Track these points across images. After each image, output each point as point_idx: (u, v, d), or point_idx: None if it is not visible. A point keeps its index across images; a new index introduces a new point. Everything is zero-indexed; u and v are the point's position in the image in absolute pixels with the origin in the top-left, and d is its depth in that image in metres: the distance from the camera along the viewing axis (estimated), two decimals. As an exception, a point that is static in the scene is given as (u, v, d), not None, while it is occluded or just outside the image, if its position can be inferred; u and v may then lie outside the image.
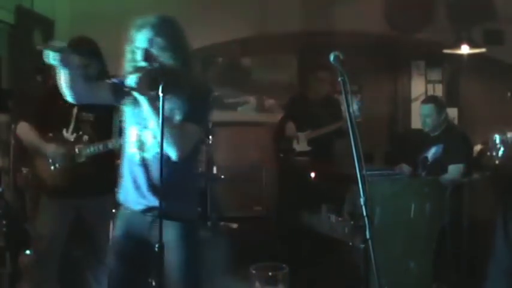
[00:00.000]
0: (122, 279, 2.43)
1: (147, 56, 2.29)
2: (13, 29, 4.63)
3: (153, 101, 2.24)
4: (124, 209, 2.48)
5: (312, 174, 4.48)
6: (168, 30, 2.33)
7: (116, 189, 2.63)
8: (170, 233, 2.28)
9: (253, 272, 1.79)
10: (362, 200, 1.98)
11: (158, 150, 2.29)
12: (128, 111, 2.44)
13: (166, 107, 2.13)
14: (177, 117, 2.31)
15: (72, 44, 3.23)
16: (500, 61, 6.27)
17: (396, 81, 7.04)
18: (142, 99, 2.25)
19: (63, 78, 2.25)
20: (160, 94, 2.10)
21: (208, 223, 4.84)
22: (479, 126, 5.71)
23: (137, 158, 2.38)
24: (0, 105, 4.11)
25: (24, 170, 3.91)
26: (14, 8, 4.63)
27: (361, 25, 6.04)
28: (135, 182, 2.40)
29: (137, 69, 2.26)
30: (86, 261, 3.48)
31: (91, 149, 3.20)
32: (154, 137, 2.31)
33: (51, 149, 3.20)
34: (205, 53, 5.99)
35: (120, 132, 2.91)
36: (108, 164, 3.22)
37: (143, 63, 2.29)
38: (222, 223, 5.09)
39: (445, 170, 4.16)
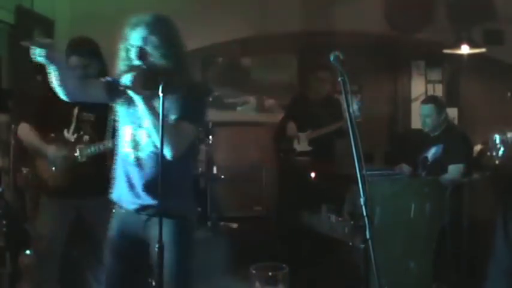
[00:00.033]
0: (118, 277, 2.43)
1: (141, 54, 2.28)
2: (13, 29, 4.62)
3: (148, 100, 2.23)
4: (118, 208, 2.47)
5: (312, 174, 4.48)
6: (162, 28, 2.33)
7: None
8: (163, 230, 2.26)
9: (253, 272, 1.78)
10: (362, 200, 1.98)
11: (153, 149, 2.30)
12: (122, 111, 2.44)
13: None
14: (172, 117, 2.30)
15: (72, 44, 3.25)
16: (500, 61, 6.26)
17: (396, 81, 7.03)
18: (137, 98, 2.25)
19: (52, 75, 2.24)
20: (161, 94, 2.08)
21: (209, 223, 4.85)
22: (479, 126, 5.71)
23: (131, 157, 2.38)
24: (0, 105, 4.10)
25: (24, 170, 3.90)
26: (14, 8, 4.61)
27: (361, 25, 6.03)
28: (129, 181, 2.40)
29: (132, 68, 2.26)
30: (86, 261, 3.47)
31: (91, 149, 3.20)
32: (149, 136, 2.31)
33: (52, 151, 3.19)
34: (205, 53, 6.00)
35: (114, 132, 2.91)
36: (108, 164, 3.22)
37: (137, 62, 2.28)
38: (222, 223, 5.09)
39: (445, 170, 4.15)
